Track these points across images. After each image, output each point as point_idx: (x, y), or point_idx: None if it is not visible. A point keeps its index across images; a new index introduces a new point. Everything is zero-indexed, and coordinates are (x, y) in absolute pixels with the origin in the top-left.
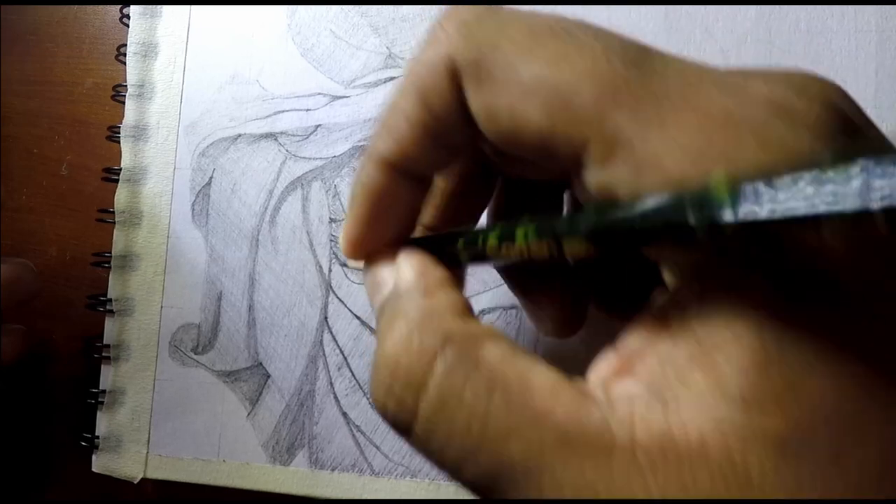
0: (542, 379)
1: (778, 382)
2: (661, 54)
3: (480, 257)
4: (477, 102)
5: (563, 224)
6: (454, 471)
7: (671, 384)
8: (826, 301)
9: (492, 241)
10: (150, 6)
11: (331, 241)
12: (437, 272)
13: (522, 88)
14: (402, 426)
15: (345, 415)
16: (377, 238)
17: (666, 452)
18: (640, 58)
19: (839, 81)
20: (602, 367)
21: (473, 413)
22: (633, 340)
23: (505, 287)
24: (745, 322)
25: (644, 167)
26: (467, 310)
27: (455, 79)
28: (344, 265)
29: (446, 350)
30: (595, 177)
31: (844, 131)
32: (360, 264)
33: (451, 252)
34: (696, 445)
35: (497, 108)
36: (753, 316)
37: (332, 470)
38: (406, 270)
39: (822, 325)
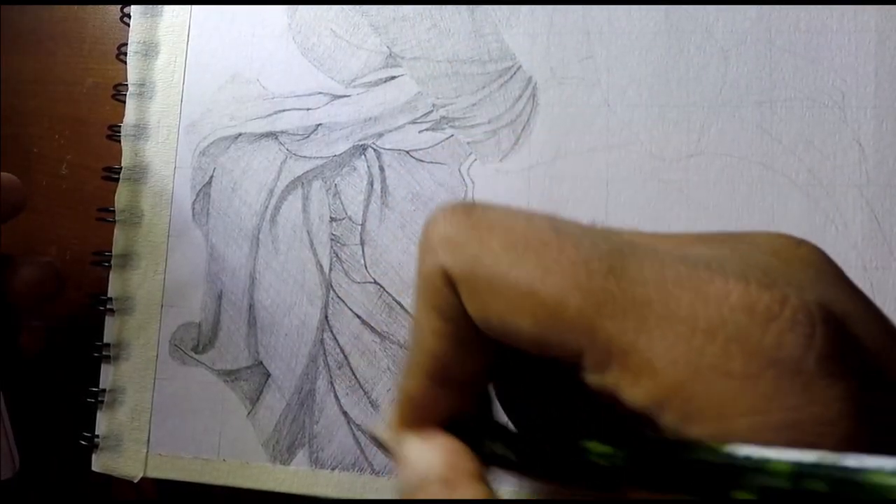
0: None
1: None
2: (637, 254)
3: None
4: (472, 311)
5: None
6: None
7: None
8: None
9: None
10: (150, 6)
11: (331, 240)
12: (467, 463)
13: (508, 301)
14: None
15: (345, 414)
16: (422, 428)
17: None
18: (617, 264)
19: (839, 81)
20: None
21: None
22: None
23: None
24: None
25: (641, 376)
26: None
27: (454, 287)
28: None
29: None
30: (595, 380)
31: (824, 320)
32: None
33: (485, 448)
34: None
35: (489, 317)
36: None
37: (333, 469)
38: (432, 455)
39: None
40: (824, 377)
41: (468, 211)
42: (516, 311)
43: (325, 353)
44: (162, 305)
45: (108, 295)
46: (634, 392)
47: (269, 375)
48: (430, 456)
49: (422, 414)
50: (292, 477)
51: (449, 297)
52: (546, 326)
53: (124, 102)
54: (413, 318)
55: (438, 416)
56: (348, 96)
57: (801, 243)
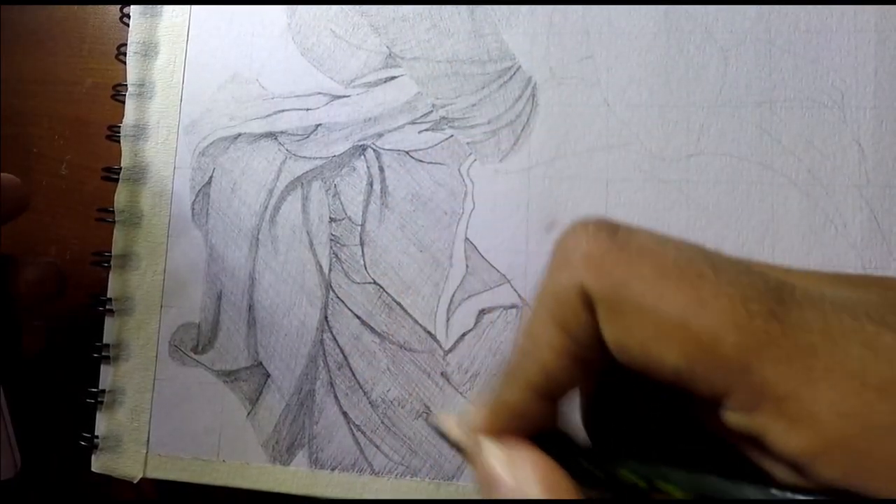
0: None
1: None
2: (796, 297)
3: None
4: (610, 335)
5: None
6: None
7: None
8: None
9: (630, 477)
10: (150, 6)
11: (331, 240)
12: (561, 480)
13: (656, 329)
14: None
15: (345, 414)
16: (504, 433)
17: None
18: (777, 307)
19: (839, 81)
20: None
21: None
22: None
23: (507, 286)
24: None
25: (799, 423)
26: None
27: (590, 307)
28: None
29: None
30: (738, 420)
31: None
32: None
33: (572, 465)
34: None
35: (630, 344)
36: None
37: (332, 469)
38: (526, 473)
39: None
40: None
41: (613, 230)
42: (664, 342)
43: (324, 354)
44: (161, 306)
45: (108, 295)
46: (788, 439)
47: (268, 376)
48: (525, 472)
49: (516, 424)
50: (292, 477)
51: (581, 316)
52: (695, 361)
53: (124, 102)
54: (527, 327)
55: (531, 429)
56: (348, 96)
57: None
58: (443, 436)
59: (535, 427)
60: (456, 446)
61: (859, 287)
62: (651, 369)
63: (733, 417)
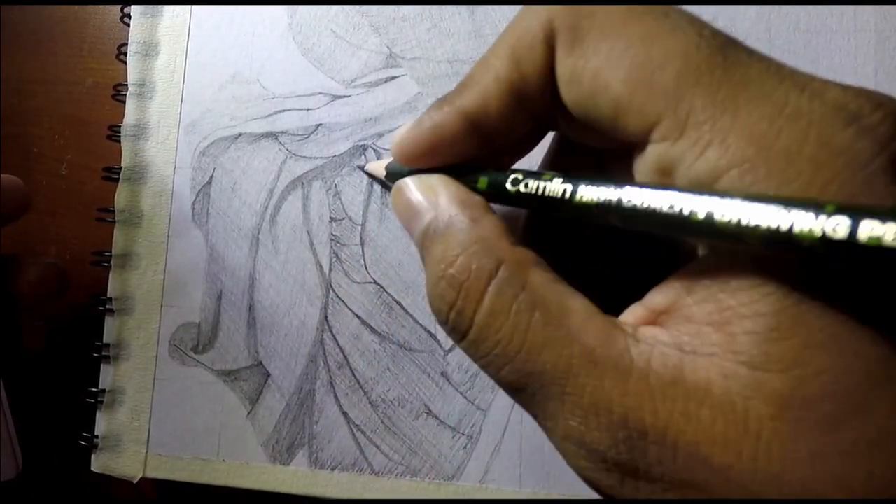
0: (577, 305)
1: (787, 352)
2: (749, 49)
3: (501, 196)
4: (565, 64)
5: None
6: (495, 372)
7: (689, 339)
8: (848, 283)
9: (518, 177)
10: (150, 6)
11: (331, 240)
12: (475, 199)
13: (610, 57)
14: (459, 332)
15: (345, 414)
16: (421, 163)
17: (676, 384)
18: (728, 47)
19: (838, 81)
20: (629, 316)
21: (517, 326)
22: (660, 299)
23: None
24: (765, 293)
25: (709, 148)
26: (510, 234)
27: (549, 42)
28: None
29: (499, 272)
30: (659, 152)
31: None
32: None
33: (472, 186)
34: (704, 385)
35: (582, 72)
36: (774, 288)
37: (332, 469)
38: (447, 199)
39: (840, 304)
40: (889, 178)
41: None
42: (613, 68)
43: (324, 354)
44: (162, 305)
45: (108, 295)
46: (696, 164)
47: (268, 376)
48: (441, 198)
49: (440, 150)
50: (292, 477)
51: (536, 51)
52: (638, 86)
53: (124, 102)
54: (482, 59)
55: (453, 158)
56: (348, 96)
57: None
58: (372, 177)
59: (456, 157)
60: (383, 184)
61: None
62: (594, 101)
63: (655, 151)
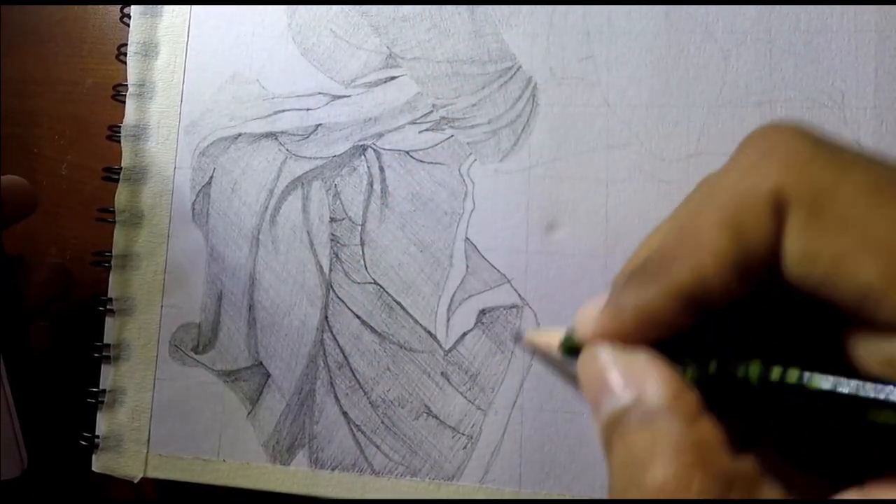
0: None
1: None
2: None
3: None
4: (798, 241)
5: None
6: None
7: None
8: None
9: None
10: (150, 6)
11: (331, 240)
12: (690, 393)
13: (860, 241)
14: None
15: (345, 414)
16: (626, 339)
17: None
18: None
19: (839, 81)
20: None
21: None
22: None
23: (507, 286)
24: None
25: None
26: (729, 442)
27: (779, 213)
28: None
29: (731, 495)
30: None
31: None
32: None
33: (697, 374)
34: None
35: (820, 253)
36: None
37: (333, 469)
38: (655, 384)
39: None
40: None
41: (817, 136)
42: (864, 256)
43: (324, 354)
44: (162, 306)
45: (108, 295)
46: None
47: (268, 376)
48: (648, 382)
49: (645, 331)
50: (292, 477)
51: (764, 222)
52: (893, 281)
53: (124, 102)
54: (683, 227)
55: (657, 337)
56: (348, 96)
57: None
58: (539, 351)
59: (667, 333)
60: (554, 363)
61: None
62: (831, 286)
63: None
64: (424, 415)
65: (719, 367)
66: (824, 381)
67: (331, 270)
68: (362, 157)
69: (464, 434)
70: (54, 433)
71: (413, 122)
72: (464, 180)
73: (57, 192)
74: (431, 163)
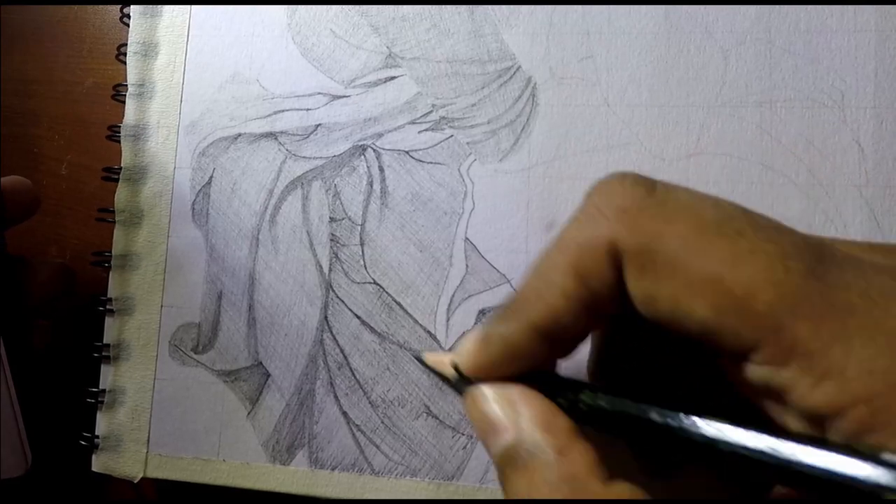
0: None
1: None
2: (836, 258)
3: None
4: (637, 287)
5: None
6: None
7: None
8: None
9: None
10: (150, 6)
11: (331, 240)
12: (561, 422)
13: (689, 283)
14: None
15: (345, 414)
16: (496, 374)
17: None
18: (816, 266)
19: (839, 81)
20: None
21: None
22: None
23: (507, 286)
24: None
25: (826, 378)
26: (602, 466)
27: (616, 262)
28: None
29: None
30: (763, 374)
31: None
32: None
33: (569, 400)
34: None
35: (659, 297)
36: None
37: (333, 469)
38: (529, 419)
39: None
40: None
41: (651, 186)
42: (695, 296)
43: (324, 354)
44: (162, 305)
45: (108, 295)
46: (813, 393)
47: (268, 376)
48: (522, 417)
49: (510, 361)
50: (292, 477)
51: (603, 267)
52: (725, 316)
53: (124, 102)
54: (540, 268)
55: (525, 368)
56: (348, 96)
57: None
58: (434, 372)
59: (528, 367)
60: (448, 382)
61: (893, 254)
62: (676, 323)
63: (758, 371)
64: (424, 415)
65: (570, 397)
66: (655, 414)
67: (330, 270)
68: (362, 157)
69: (464, 434)
70: (54, 433)
71: (413, 122)
72: (463, 180)
73: (57, 192)
74: (431, 163)
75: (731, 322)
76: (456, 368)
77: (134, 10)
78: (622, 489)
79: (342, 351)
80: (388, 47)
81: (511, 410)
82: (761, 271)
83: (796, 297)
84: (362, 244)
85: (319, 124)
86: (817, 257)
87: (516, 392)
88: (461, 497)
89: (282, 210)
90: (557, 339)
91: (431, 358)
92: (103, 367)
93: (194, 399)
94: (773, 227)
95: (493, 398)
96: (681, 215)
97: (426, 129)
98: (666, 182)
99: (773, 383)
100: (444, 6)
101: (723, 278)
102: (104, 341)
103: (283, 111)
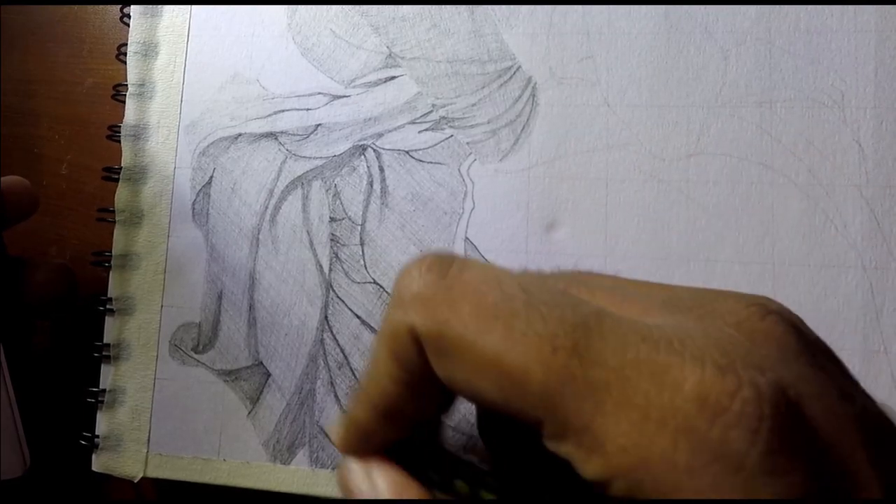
0: None
1: None
2: (604, 330)
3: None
4: (438, 370)
5: None
6: None
7: None
8: None
9: (462, 487)
10: (150, 6)
11: (331, 240)
12: (412, 489)
13: (475, 366)
14: None
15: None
16: (363, 451)
17: None
18: (582, 341)
19: (839, 81)
20: None
21: None
22: None
23: None
24: None
25: (593, 454)
26: None
27: (420, 347)
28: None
29: None
30: (552, 447)
31: (777, 429)
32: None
33: (424, 474)
34: None
35: (455, 378)
36: None
37: (333, 469)
38: (381, 486)
39: None
40: (766, 474)
41: (444, 269)
42: (482, 378)
43: (325, 353)
44: (162, 305)
45: (108, 295)
46: (586, 466)
47: (269, 375)
48: (376, 485)
49: (365, 441)
50: (292, 477)
51: (411, 351)
52: (509, 396)
53: (124, 102)
54: (372, 354)
55: (381, 445)
56: (348, 96)
57: (767, 314)
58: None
59: (386, 441)
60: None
61: (683, 311)
62: (479, 401)
63: (550, 445)
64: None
65: (444, 472)
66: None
67: (331, 270)
68: (362, 156)
69: (463, 434)
70: (54, 433)
71: (413, 122)
72: (463, 180)
73: (57, 192)
74: (431, 162)
75: (516, 401)
76: None
77: (134, 10)
78: None
79: (342, 350)
80: (388, 47)
81: (369, 482)
82: (531, 353)
83: (562, 376)
84: (362, 244)
85: (319, 124)
86: (585, 331)
87: (375, 465)
88: None
89: (282, 210)
90: (402, 417)
91: (331, 431)
92: (103, 367)
93: (195, 399)
94: (551, 303)
95: (355, 470)
96: (465, 300)
97: (426, 129)
98: (463, 260)
99: (561, 455)
100: (444, 6)
101: (501, 360)
102: (104, 341)
103: (283, 111)
